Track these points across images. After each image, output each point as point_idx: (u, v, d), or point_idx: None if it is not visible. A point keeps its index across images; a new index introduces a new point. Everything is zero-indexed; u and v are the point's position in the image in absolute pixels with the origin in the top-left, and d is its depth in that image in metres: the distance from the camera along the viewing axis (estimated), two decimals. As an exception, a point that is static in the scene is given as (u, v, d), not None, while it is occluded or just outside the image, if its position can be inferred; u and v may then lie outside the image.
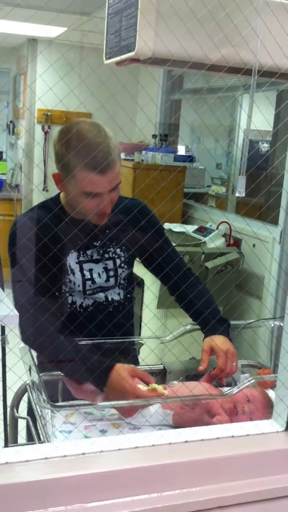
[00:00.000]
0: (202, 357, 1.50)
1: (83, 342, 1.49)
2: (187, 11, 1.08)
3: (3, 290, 1.94)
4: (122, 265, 1.64)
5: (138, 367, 1.64)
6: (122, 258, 1.64)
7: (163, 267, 1.63)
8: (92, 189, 1.43)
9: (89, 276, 1.58)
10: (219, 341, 1.51)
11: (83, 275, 1.58)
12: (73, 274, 1.57)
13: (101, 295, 1.62)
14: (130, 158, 4.25)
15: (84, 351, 1.40)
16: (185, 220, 4.15)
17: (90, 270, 1.59)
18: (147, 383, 1.38)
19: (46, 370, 1.48)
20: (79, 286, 1.58)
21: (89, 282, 1.59)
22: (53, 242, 1.45)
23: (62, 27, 4.37)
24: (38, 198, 5.23)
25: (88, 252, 1.59)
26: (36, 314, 1.41)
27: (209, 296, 1.64)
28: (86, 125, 1.44)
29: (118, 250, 1.63)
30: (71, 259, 1.57)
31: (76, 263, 1.57)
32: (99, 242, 1.60)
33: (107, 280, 1.61)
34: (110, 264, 1.62)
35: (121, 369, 1.36)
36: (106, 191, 1.45)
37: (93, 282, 1.59)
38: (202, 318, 1.59)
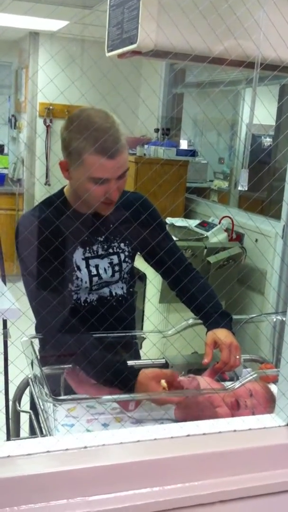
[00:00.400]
0: (206, 351, 1.50)
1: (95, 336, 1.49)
2: (189, 3, 1.07)
3: (5, 284, 1.94)
4: (126, 259, 1.64)
5: (141, 361, 1.65)
6: (126, 253, 1.64)
7: (164, 261, 1.63)
8: (102, 175, 1.42)
9: (95, 272, 1.58)
10: (222, 334, 1.51)
11: (89, 271, 1.58)
12: (80, 270, 1.57)
13: (106, 290, 1.62)
14: (132, 152, 4.24)
15: (109, 357, 1.40)
16: (187, 214, 4.14)
17: (96, 266, 1.59)
18: (172, 382, 1.39)
19: (49, 363, 1.48)
20: (86, 282, 1.58)
21: (95, 278, 1.59)
22: (60, 239, 1.45)
23: (64, 20, 4.36)
24: (40, 192, 5.22)
25: (94, 247, 1.59)
26: (53, 314, 1.42)
27: (211, 291, 1.64)
28: (95, 111, 1.44)
29: (122, 245, 1.63)
30: (77, 256, 1.57)
31: (83, 259, 1.57)
32: (103, 237, 1.60)
33: (113, 275, 1.62)
34: (115, 259, 1.62)
35: (146, 378, 1.36)
36: (115, 176, 1.44)
37: (100, 277, 1.59)
38: (204, 312, 1.59)
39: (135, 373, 1.38)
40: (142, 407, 1.39)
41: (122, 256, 1.63)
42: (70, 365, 1.47)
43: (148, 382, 1.36)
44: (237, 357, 1.48)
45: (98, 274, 1.59)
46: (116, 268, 1.62)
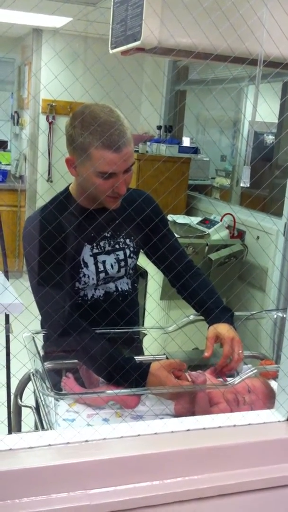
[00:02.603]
0: (207, 345, 1.49)
1: (98, 331, 1.50)
2: (193, 0, 1.07)
3: (8, 279, 1.95)
4: (131, 255, 1.65)
5: (142, 357, 1.66)
6: (132, 248, 1.65)
7: (166, 258, 1.64)
8: (109, 168, 1.42)
9: (102, 268, 1.59)
10: (223, 329, 1.51)
11: (97, 267, 1.58)
12: (87, 267, 1.58)
13: (112, 285, 1.63)
14: (135, 149, 4.24)
15: (120, 355, 1.42)
16: (189, 211, 4.15)
17: (103, 262, 1.60)
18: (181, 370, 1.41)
19: (55, 359, 1.49)
20: (93, 279, 1.59)
21: (102, 274, 1.60)
22: (69, 238, 1.45)
23: (67, 17, 4.35)
24: (42, 188, 5.22)
25: (101, 243, 1.60)
26: (62, 312, 1.43)
27: (212, 287, 1.65)
28: (99, 106, 1.45)
29: (127, 241, 1.65)
30: (85, 253, 1.58)
31: (90, 255, 1.58)
32: (110, 233, 1.61)
33: (119, 270, 1.63)
34: (121, 255, 1.63)
35: (159, 370, 1.38)
36: (122, 170, 1.45)
37: (106, 273, 1.60)
38: (206, 308, 1.59)
39: (147, 368, 1.40)
40: (143, 401, 1.40)
41: (128, 251, 1.64)
42: (77, 361, 1.48)
43: (161, 372, 1.37)
44: (239, 352, 1.47)
45: (105, 270, 1.60)
46: (122, 263, 1.63)
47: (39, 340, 1.56)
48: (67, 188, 1.61)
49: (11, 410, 1.55)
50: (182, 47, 1.12)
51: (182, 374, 1.41)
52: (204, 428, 1.13)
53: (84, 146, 1.42)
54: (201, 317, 1.64)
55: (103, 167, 1.42)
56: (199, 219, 3.66)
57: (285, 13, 1.16)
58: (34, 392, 1.44)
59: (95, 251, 1.59)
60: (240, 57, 1.19)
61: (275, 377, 1.54)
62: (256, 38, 1.14)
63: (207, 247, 3.17)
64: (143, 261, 1.77)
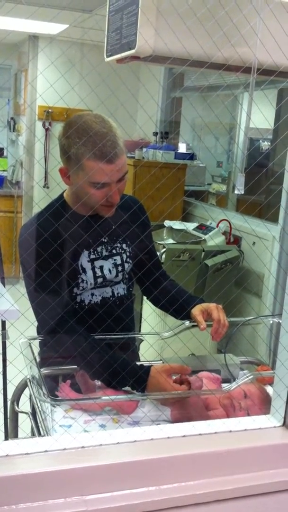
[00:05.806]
0: (197, 320, 1.57)
1: (98, 337, 1.51)
2: (187, 10, 1.08)
3: (4, 285, 1.96)
4: (128, 259, 1.67)
5: (139, 363, 1.66)
6: (128, 253, 1.67)
7: (145, 272, 1.69)
8: (101, 179, 1.43)
9: (100, 273, 1.60)
10: (205, 303, 1.61)
11: (94, 272, 1.59)
12: (85, 273, 1.58)
13: (108, 290, 1.64)
14: (131, 155, 4.26)
15: (122, 359, 1.44)
16: (185, 217, 4.16)
17: (101, 267, 1.61)
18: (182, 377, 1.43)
19: (53, 365, 1.49)
20: (91, 284, 1.60)
21: (100, 279, 1.61)
22: (66, 245, 1.46)
23: (64, 24, 4.38)
24: (38, 194, 5.23)
25: (98, 249, 1.61)
26: (60, 319, 1.44)
27: (184, 290, 1.74)
28: (91, 116, 1.46)
29: (124, 245, 1.66)
30: (83, 258, 1.58)
31: (88, 261, 1.59)
32: (106, 238, 1.62)
33: (116, 275, 1.64)
34: (118, 260, 1.64)
35: (158, 374, 1.39)
36: (115, 180, 1.46)
37: (104, 278, 1.61)
38: (187, 303, 1.66)
39: (147, 370, 1.41)
40: (139, 406, 1.40)
41: (124, 256, 1.66)
42: (74, 367, 1.49)
43: (159, 376, 1.38)
44: (225, 319, 1.56)
45: (102, 275, 1.61)
46: (120, 268, 1.64)
47: (36, 346, 1.56)
48: (61, 195, 1.62)
49: (8, 416, 1.55)
50: (176, 55, 1.13)
51: (185, 378, 1.42)
52: (200, 434, 1.14)
53: (77, 157, 1.43)
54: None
55: (96, 178, 1.43)
56: (195, 225, 3.67)
57: (278, 21, 1.17)
58: (31, 398, 1.44)
59: (92, 256, 1.60)
60: (234, 65, 1.20)
61: (271, 382, 1.54)
62: (249, 46, 1.16)
63: (203, 253, 3.17)
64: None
